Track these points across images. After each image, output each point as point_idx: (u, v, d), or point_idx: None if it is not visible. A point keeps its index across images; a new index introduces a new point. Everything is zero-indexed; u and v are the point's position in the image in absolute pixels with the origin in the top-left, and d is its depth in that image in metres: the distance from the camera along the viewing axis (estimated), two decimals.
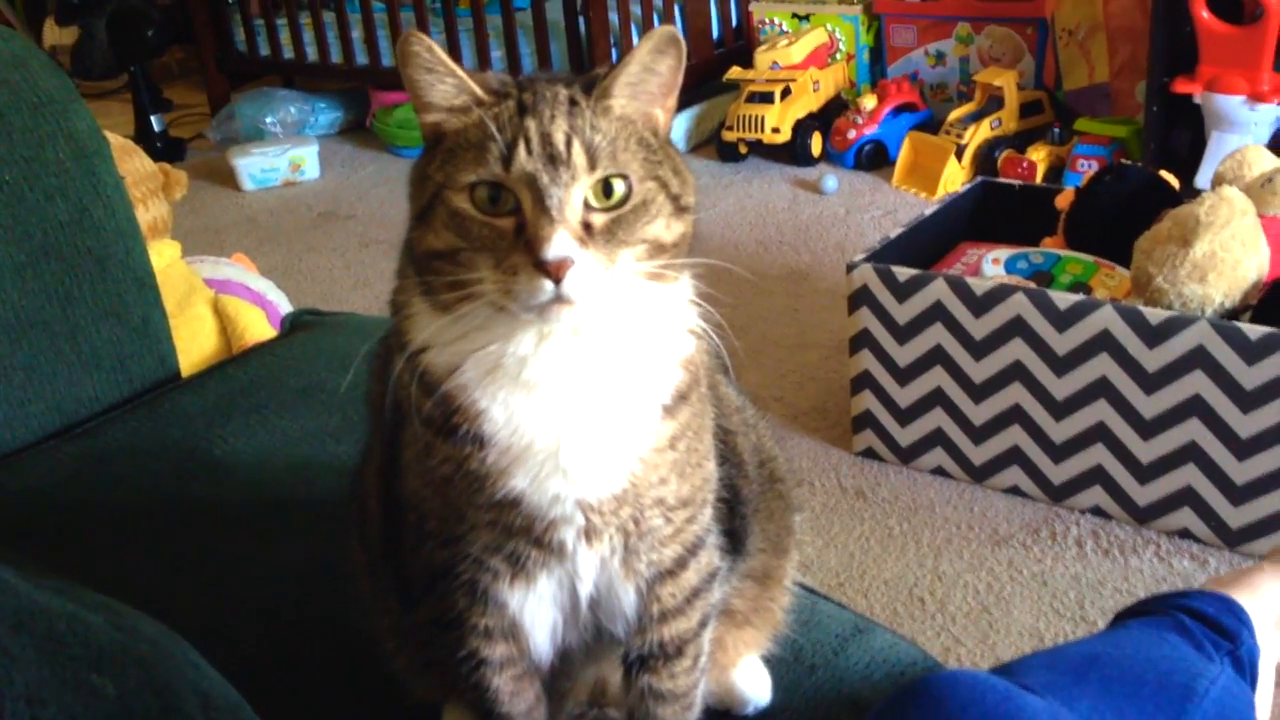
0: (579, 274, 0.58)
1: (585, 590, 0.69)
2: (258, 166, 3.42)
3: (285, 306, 1.90)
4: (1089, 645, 0.90)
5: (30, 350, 1.17)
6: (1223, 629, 0.89)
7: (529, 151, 0.59)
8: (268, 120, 3.70)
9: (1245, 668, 0.88)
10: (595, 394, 0.63)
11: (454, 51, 3.39)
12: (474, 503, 0.65)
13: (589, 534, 0.66)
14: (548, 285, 0.58)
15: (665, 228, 0.62)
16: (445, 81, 0.62)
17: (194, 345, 1.71)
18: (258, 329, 1.77)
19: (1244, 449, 1.54)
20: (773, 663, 0.87)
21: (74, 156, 1.22)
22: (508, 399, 0.63)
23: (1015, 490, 1.76)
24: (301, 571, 0.98)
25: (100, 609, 0.69)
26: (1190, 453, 1.58)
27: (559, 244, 0.58)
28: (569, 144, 0.59)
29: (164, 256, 1.77)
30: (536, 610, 0.69)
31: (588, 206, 0.60)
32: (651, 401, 0.65)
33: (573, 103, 0.61)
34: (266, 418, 1.22)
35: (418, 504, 0.68)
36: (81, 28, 3.60)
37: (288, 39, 3.77)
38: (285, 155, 3.43)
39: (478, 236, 0.60)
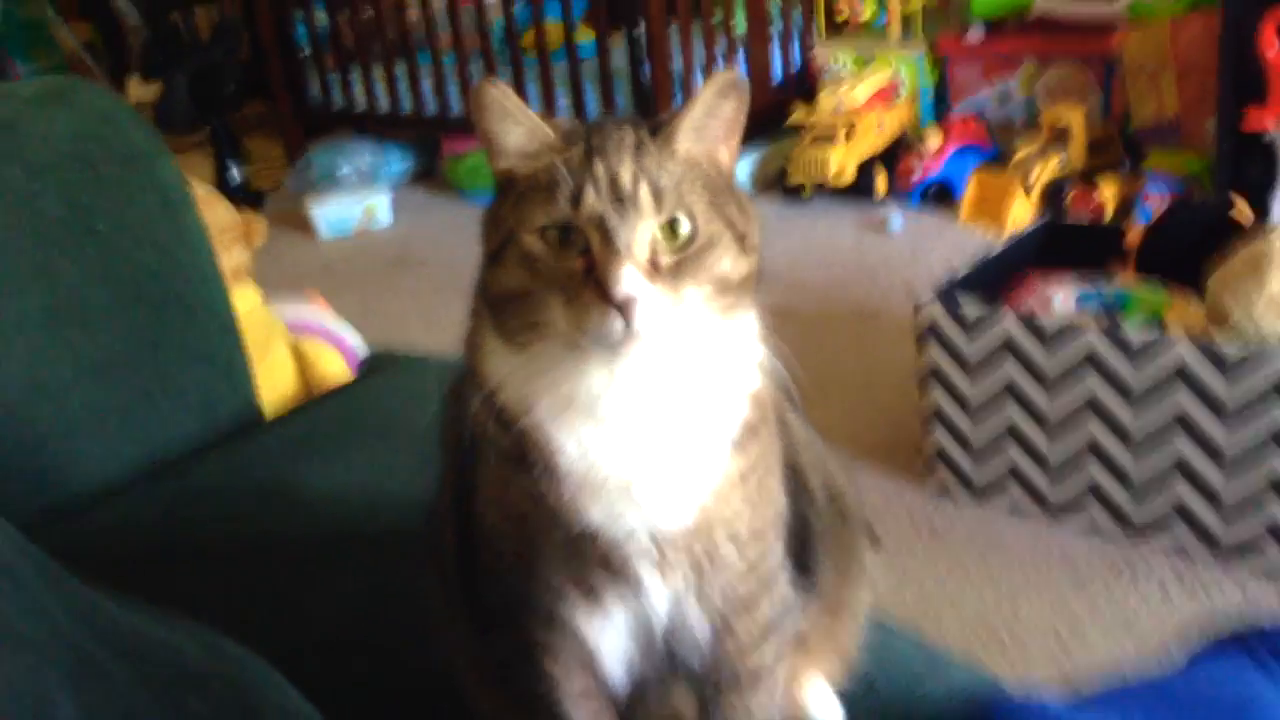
0: (647, 310, 0.60)
1: (659, 622, 0.70)
2: (333, 214, 3.49)
3: (360, 347, 1.94)
4: (1160, 680, 0.89)
5: (123, 393, 1.21)
6: None
7: (597, 193, 0.61)
8: (342, 169, 3.79)
9: None
10: (666, 428, 0.64)
11: (521, 98, 3.45)
12: (551, 535, 0.66)
13: (662, 566, 0.67)
14: (618, 322, 0.59)
15: (731, 265, 0.64)
16: (520, 126, 0.64)
17: (275, 386, 1.75)
18: (335, 370, 1.81)
19: None
20: (847, 694, 0.86)
21: (161, 206, 1.27)
22: (581, 433, 0.64)
23: (1094, 529, 1.73)
24: (375, 602, 1.00)
25: (191, 635, 0.71)
26: (1277, 487, 1.55)
27: (628, 281, 0.59)
28: (636, 184, 0.61)
29: (246, 301, 1.81)
30: (613, 641, 0.70)
31: (655, 245, 0.61)
32: (721, 436, 0.66)
33: (639, 145, 0.63)
34: (345, 454, 1.24)
35: (496, 539, 0.70)
36: (164, 83, 3.73)
37: (361, 90, 3.87)
38: (359, 203, 3.51)
39: (550, 276, 0.61)
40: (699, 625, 0.70)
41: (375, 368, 1.47)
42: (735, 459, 0.66)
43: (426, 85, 3.69)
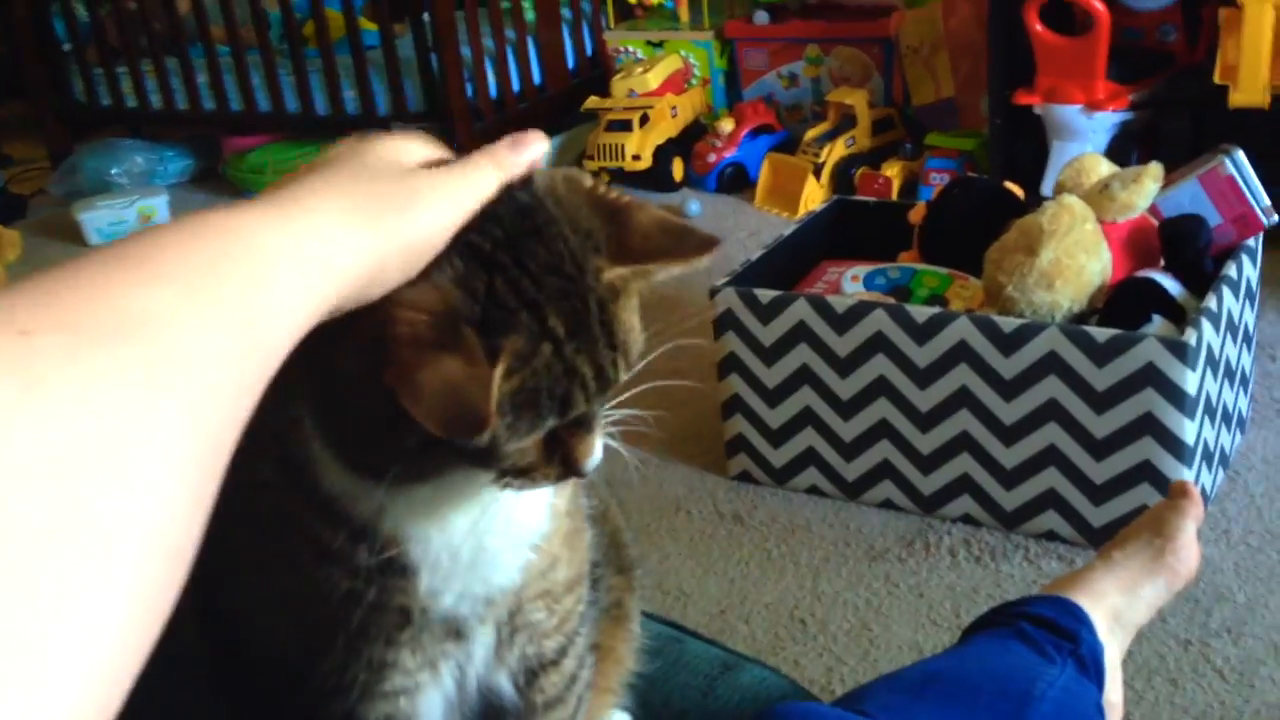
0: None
1: (477, 676, 0.67)
2: (104, 220, 3.28)
3: None
4: (930, 664, 0.91)
5: None
6: (1062, 630, 0.91)
7: (586, 397, 0.52)
8: (113, 172, 3.57)
9: (1089, 666, 0.90)
10: (519, 508, 0.61)
11: (305, 95, 3.32)
12: (385, 620, 0.61)
13: (486, 621, 0.65)
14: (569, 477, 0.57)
15: None
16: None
17: None
18: None
19: (1099, 449, 1.58)
20: (641, 712, 0.84)
21: None
22: (451, 537, 0.59)
23: (888, 504, 1.78)
24: None
25: None
26: (1050, 456, 1.62)
27: (597, 455, 0.56)
28: (616, 367, 0.54)
29: None
30: (432, 702, 0.67)
31: None
32: (552, 499, 0.64)
33: (602, 307, 0.52)
34: None
35: (284, 634, 0.64)
36: None
37: (130, 87, 3.64)
38: (133, 206, 3.31)
39: (510, 461, 0.54)
40: (502, 686, 0.68)
41: None
42: (560, 518, 0.65)
43: (202, 80, 3.50)
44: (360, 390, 0.50)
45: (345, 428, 0.54)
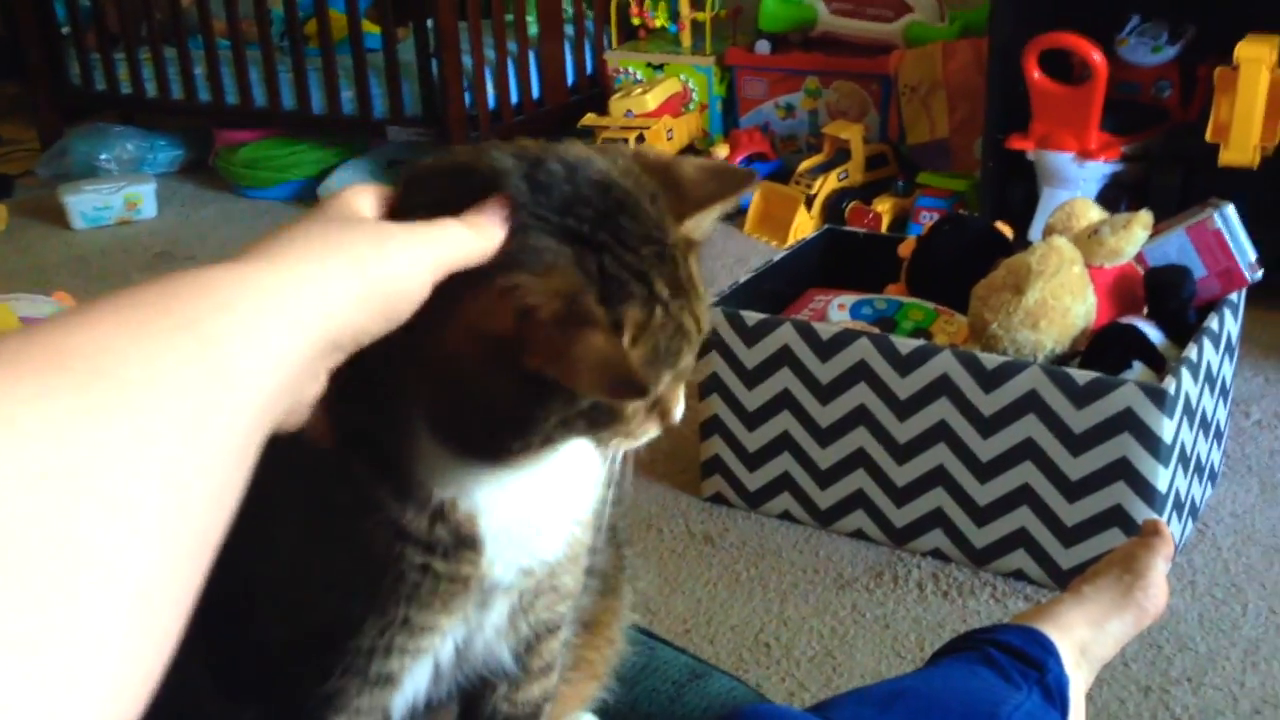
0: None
1: (483, 642, 0.69)
2: (90, 204, 3.26)
3: None
4: (898, 682, 0.91)
5: None
6: (1029, 659, 0.91)
7: (691, 349, 0.58)
8: (102, 157, 3.55)
9: (1054, 695, 0.90)
10: (575, 478, 0.65)
11: (303, 93, 3.32)
12: (449, 600, 0.63)
13: (511, 592, 0.67)
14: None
15: None
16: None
17: None
18: None
19: (1073, 491, 1.58)
20: (609, 713, 0.84)
21: None
22: (516, 510, 0.63)
23: (859, 534, 1.77)
24: None
25: None
26: (1024, 495, 1.62)
27: (683, 403, 0.61)
28: (707, 315, 0.60)
29: None
30: (421, 675, 0.68)
31: None
32: (597, 469, 0.67)
33: (685, 262, 0.58)
34: None
35: (302, 603, 0.65)
36: None
37: (126, 74, 3.63)
38: (120, 193, 3.29)
39: (607, 419, 0.58)
40: (501, 652, 0.69)
41: None
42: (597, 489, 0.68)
43: (199, 71, 3.49)
44: (487, 380, 0.54)
45: (466, 417, 0.57)
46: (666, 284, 0.55)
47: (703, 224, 0.59)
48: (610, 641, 0.82)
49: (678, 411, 0.60)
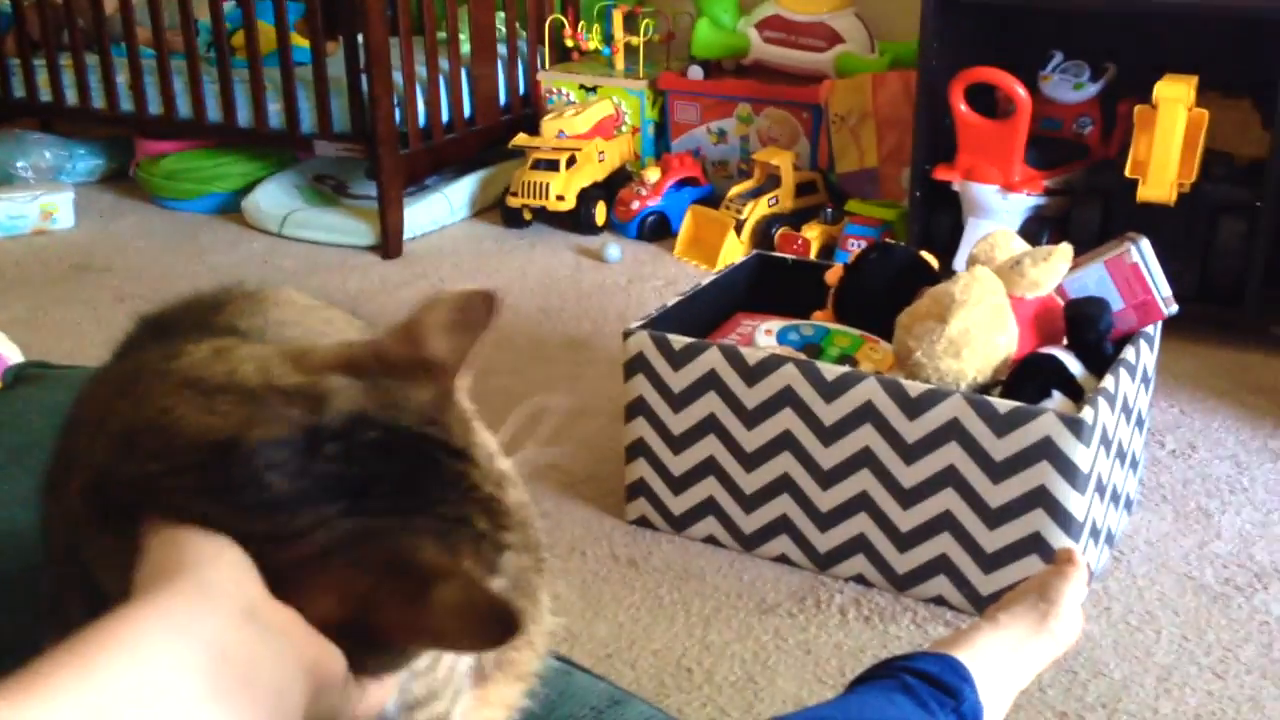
0: None
1: None
2: (3, 213, 3.17)
3: (16, 357, 1.74)
4: (816, 711, 0.91)
5: None
6: (945, 687, 0.91)
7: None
8: (19, 165, 3.46)
9: None
10: None
11: (229, 105, 3.26)
12: None
13: None
14: None
15: None
16: None
17: None
18: None
19: (993, 518, 1.60)
20: None
21: None
22: None
23: (783, 559, 1.77)
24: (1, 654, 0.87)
25: None
26: (945, 521, 1.63)
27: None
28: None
29: None
30: None
31: None
32: None
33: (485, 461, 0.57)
34: None
35: None
36: None
37: (45, 80, 3.54)
38: (35, 202, 3.20)
39: None
40: None
41: (22, 379, 1.31)
42: None
43: (121, 80, 3.42)
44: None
45: None
46: (488, 519, 0.53)
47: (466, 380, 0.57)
48: (529, 644, 0.81)
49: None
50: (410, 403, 0.53)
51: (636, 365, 1.81)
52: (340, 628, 0.49)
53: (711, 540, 1.83)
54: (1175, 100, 2.30)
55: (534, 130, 3.33)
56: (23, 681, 0.39)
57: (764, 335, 1.92)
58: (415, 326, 0.54)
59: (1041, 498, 1.56)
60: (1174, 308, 1.78)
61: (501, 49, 3.48)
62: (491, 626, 0.48)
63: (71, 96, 3.51)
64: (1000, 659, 0.99)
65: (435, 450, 0.53)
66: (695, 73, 3.26)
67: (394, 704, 0.64)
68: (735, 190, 3.03)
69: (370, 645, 0.51)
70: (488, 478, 0.54)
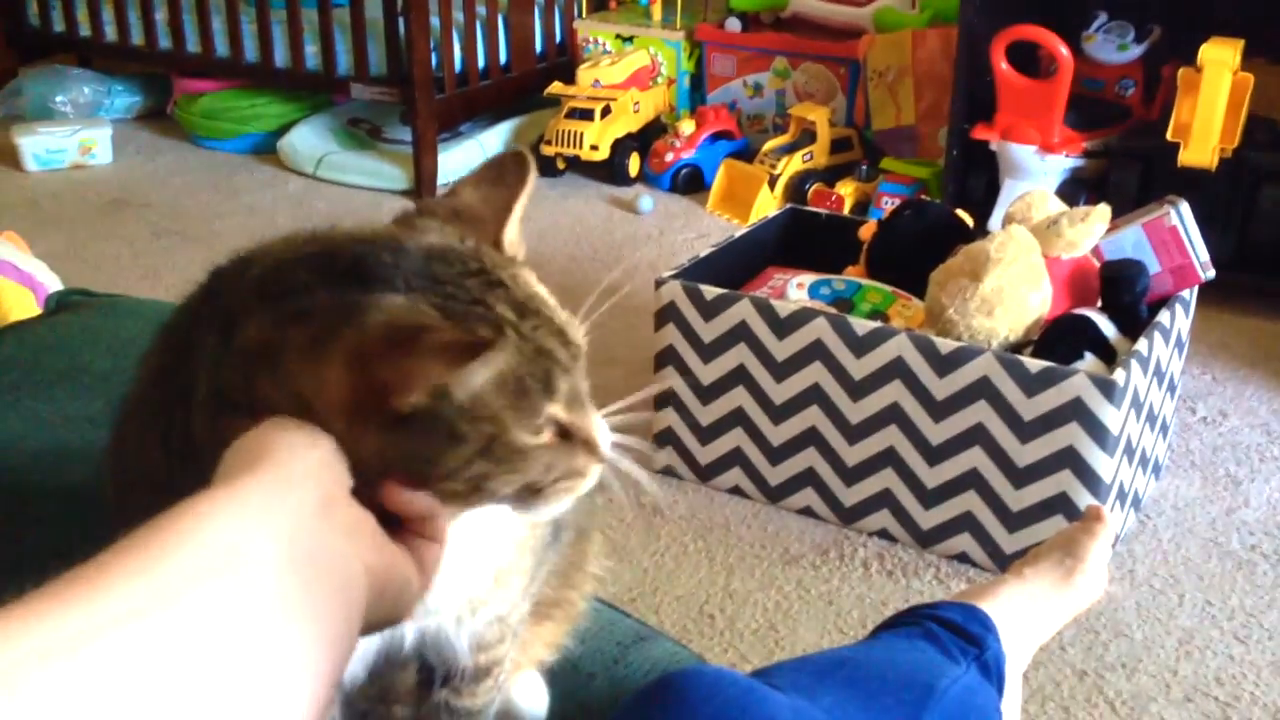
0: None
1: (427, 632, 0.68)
2: (43, 146, 3.20)
3: (56, 287, 1.76)
4: (838, 652, 0.92)
5: None
6: (969, 635, 0.92)
7: (563, 368, 0.56)
8: (58, 99, 3.48)
9: (991, 672, 0.91)
10: (497, 527, 0.64)
11: (266, 46, 3.26)
12: None
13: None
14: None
15: None
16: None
17: None
18: (23, 310, 1.63)
19: (1020, 477, 1.60)
20: (553, 672, 0.84)
21: None
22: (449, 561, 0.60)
23: (808, 512, 1.78)
24: (59, 563, 0.89)
25: None
26: (971, 479, 1.64)
27: (607, 432, 0.59)
28: (568, 329, 0.58)
29: None
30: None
31: None
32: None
33: (519, 283, 0.58)
34: (19, 400, 1.11)
35: None
36: None
37: (84, 15, 3.55)
38: (74, 136, 3.22)
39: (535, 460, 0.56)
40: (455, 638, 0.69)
41: (64, 306, 1.33)
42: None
43: (160, 17, 3.42)
44: (377, 451, 0.51)
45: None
46: (509, 307, 0.54)
47: (513, 233, 0.60)
48: (583, 582, 0.82)
49: (600, 437, 0.58)
50: (457, 245, 0.57)
51: (668, 315, 1.81)
52: (356, 405, 0.49)
53: (737, 491, 1.84)
54: (1220, 64, 2.26)
55: (569, 79, 3.32)
56: (84, 573, 0.39)
57: (796, 289, 1.92)
58: (453, 192, 0.60)
59: (1070, 458, 1.56)
60: (1211, 273, 1.76)
61: None
62: (466, 354, 0.49)
63: (110, 32, 3.52)
64: (1024, 612, 1.00)
65: (454, 250, 0.56)
66: (733, 25, 3.23)
67: (467, 644, 0.67)
68: (770, 145, 3.01)
69: (395, 433, 0.51)
70: (516, 285, 0.56)
